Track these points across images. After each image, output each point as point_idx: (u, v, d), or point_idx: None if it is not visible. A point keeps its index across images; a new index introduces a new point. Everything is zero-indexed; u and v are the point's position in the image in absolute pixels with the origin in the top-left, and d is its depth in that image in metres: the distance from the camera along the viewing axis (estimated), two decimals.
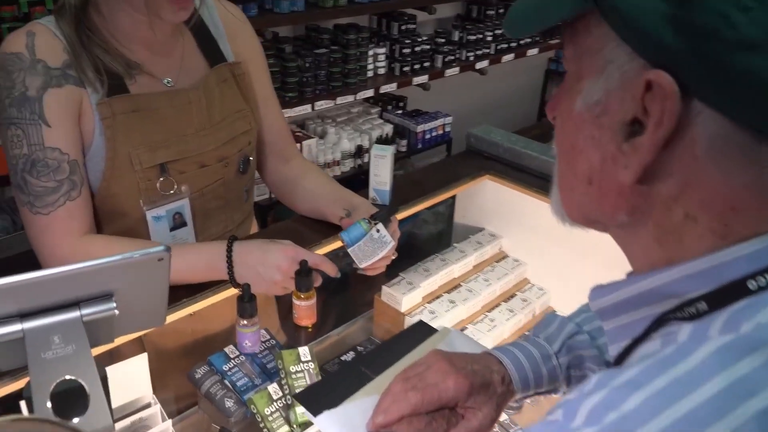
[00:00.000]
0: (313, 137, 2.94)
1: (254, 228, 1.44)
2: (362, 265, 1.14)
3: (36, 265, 1.13)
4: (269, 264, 1.07)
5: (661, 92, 0.46)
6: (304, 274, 1.05)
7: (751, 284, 0.47)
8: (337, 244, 1.27)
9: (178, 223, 1.20)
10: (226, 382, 1.11)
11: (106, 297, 0.75)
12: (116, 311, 0.75)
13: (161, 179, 1.13)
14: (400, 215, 1.44)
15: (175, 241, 1.21)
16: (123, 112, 1.09)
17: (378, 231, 1.14)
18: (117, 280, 0.74)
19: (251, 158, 1.30)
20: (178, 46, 1.19)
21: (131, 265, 0.73)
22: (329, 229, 1.27)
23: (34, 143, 1.02)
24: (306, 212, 1.34)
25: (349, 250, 1.14)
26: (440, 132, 3.49)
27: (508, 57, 3.82)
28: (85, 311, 0.74)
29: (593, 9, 0.50)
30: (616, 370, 0.47)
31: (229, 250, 1.08)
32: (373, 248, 1.15)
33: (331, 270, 1.11)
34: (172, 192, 1.15)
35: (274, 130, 1.36)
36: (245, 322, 1.03)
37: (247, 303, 1.02)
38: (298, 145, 2.84)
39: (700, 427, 0.41)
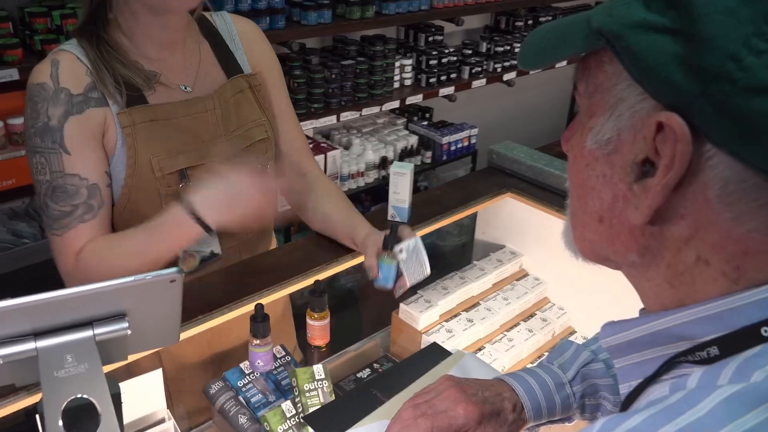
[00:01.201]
0: (337, 148, 2.95)
1: (273, 241, 1.45)
2: (427, 273, 1.17)
3: None
4: (233, 179, 1.04)
5: (672, 135, 0.45)
6: (317, 293, 1.05)
7: (765, 331, 0.45)
8: (352, 263, 1.27)
9: None
10: (241, 398, 1.11)
11: (119, 317, 0.76)
12: (129, 331, 0.76)
13: (182, 185, 1.15)
14: (420, 232, 1.43)
15: (198, 247, 1.21)
16: (142, 121, 1.12)
17: (401, 251, 1.14)
18: (130, 301, 0.75)
19: (269, 167, 1.30)
20: (195, 54, 1.22)
21: (143, 286, 0.74)
22: (342, 249, 1.27)
23: (55, 170, 1.07)
24: (316, 229, 1.35)
25: (408, 283, 1.16)
26: (466, 144, 3.47)
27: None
28: (98, 331, 0.74)
29: (606, 47, 0.49)
30: (622, 415, 0.46)
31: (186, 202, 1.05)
32: (414, 261, 1.15)
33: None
34: None
35: (289, 142, 1.36)
36: (258, 341, 1.04)
37: (259, 323, 1.02)
38: (323, 155, 2.85)
39: None
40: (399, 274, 1.16)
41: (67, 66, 1.08)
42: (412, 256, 1.15)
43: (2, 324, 0.70)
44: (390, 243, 1.14)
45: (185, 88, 1.18)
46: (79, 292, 0.72)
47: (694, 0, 0.44)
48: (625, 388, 0.56)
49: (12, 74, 1.91)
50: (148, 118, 1.12)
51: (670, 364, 0.51)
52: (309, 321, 1.09)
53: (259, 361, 1.06)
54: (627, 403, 0.55)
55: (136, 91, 1.12)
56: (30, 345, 0.72)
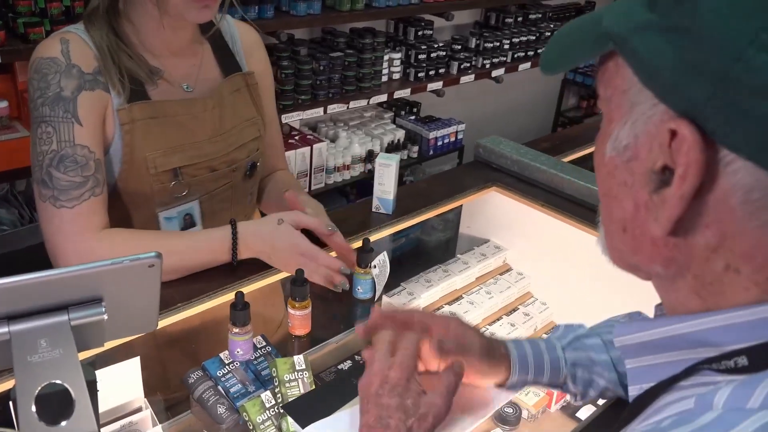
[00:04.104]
0: (324, 141, 2.94)
1: None
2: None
3: (42, 259, 1.15)
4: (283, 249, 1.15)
5: (684, 142, 0.43)
6: (299, 283, 1.05)
7: None
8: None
9: (188, 223, 1.24)
10: (220, 388, 1.10)
11: (95, 302, 0.74)
12: (105, 316, 0.74)
13: (173, 183, 1.17)
14: (405, 224, 1.43)
15: None
16: (142, 118, 1.13)
17: (374, 267, 1.24)
18: (106, 285, 0.74)
19: (258, 163, 1.33)
20: (197, 54, 1.24)
21: (121, 270, 0.73)
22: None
23: (64, 140, 1.06)
24: (262, 206, 1.45)
25: (378, 294, 1.29)
26: (452, 139, 3.48)
27: (525, 65, 3.80)
28: (74, 315, 0.73)
29: (615, 50, 0.47)
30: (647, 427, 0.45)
31: (234, 230, 1.14)
32: (383, 273, 1.27)
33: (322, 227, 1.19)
34: (183, 194, 1.19)
35: (270, 147, 1.41)
36: (237, 330, 1.03)
37: (239, 311, 1.01)
38: (309, 147, 2.84)
39: None
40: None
41: (77, 46, 1.09)
42: (382, 269, 1.25)
43: None
44: (365, 260, 1.21)
45: (186, 88, 1.20)
46: (55, 274, 0.70)
47: None
48: (635, 390, 0.55)
49: None
50: (148, 115, 1.14)
51: (691, 370, 0.49)
52: (290, 310, 1.09)
53: (238, 349, 1.05)
54: (638, 406, 0.53)
55: (139, 85, 1.13)
56: (3, 329, 0.70)
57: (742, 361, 0.45)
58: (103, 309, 0.74)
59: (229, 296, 1.09)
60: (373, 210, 1.38)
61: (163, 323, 1.02)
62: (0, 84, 2.06)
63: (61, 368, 0.72)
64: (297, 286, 1.06)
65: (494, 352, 0.86)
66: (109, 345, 0.97)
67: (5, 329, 0.70)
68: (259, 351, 1.17)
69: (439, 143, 3.42)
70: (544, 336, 1.45)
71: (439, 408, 0.76)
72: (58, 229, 1.08)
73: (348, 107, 2.99)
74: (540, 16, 3.91)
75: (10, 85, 2.06)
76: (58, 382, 0.72)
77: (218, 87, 1.23)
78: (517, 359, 0.85)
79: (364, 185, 3.18)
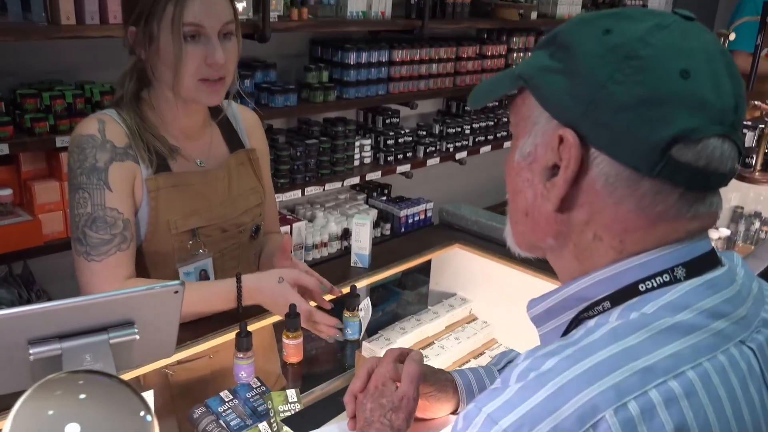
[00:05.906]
0: (302, 220, 3.14)
1: None
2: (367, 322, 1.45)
3: None
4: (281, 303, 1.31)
5: (568, 144, 0.64)
6: (292, 315, 1.22)
7: (641, 287, 0.64)
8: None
9: (203, 277, 1.44)
10: (221, 422, 1.24)
11: (129, 324, 0.91)
12: (137, 336, 0.91)
13: (191, 242, 1.38)
14: (381, 275, 1.62)
15: None
16: (165, 186, 1.35)
17: (361, 310, 1.40)
18: (138, 310, 0.91)
19: (261, 226, 1.54)
20: (208, 135, 1.47)
21: (151, 295, 0.90)
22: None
23: (97, 203, 1.27)
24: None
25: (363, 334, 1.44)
26: (422, 216, 3.70)
27: (486, 148, 4.10)
28: (112, 335, 0.89)
29: (524, 86, 0.70)
30: (539, 346, 0.63)
31: (239, 284, 1.33)
32: (366, 316, 1.42)
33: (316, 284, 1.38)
34: (200, 252, 1.40)
35: (267, 213, 1.62)
36: (241, 355, 1.19)
37: (243, 338, 1.18)
38: (289, 226, 3.03)
39: (597, 378, 0.57)
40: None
41: (111, 125, 1.31)
42: (367, 312, 1.41)
43: (33, 327, 0.85)
44: (353, 304, 1.37)
45: (200, 163, 1.43)
46: (97, 298, 0.87)
47: (577, 49, 0.64)
48: None
49: (2, 149, 2.07)
50: (170, 184, 1.36)
51: (576, 321, 0.68)
52: (284, 340, 1.25)
53: (242, 372, 1.20)
54: None
55: (162, 159, 1.36)
56: (56, 345, 0.86)
57: (607, 304, 0.65)
58: (136, 330, 0.91)
59: (231, 335, 1.25)
60: (352, 265, 1.57)
61: (175, 357, 1.17)
62: (5, 173, 2.23)
63: None
64: (290, 318, 1.23)
65: (438, 374, 1.04)
66: (129, 375, 1.12)
67: (57, 345, 0.86)
68: (254, 390, 1.31)
69: (410, 221, 3.64)
70: None
71: (407, 394, 0.93)
72: (89, 279, 1.28)
73: (324, 189, 3.21)
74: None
75: (14, 174, 2.24)
76: None
77: (226, 161, 1.46)
78: (463, 387, 1.03)
79: (341, 259, 3.34)
